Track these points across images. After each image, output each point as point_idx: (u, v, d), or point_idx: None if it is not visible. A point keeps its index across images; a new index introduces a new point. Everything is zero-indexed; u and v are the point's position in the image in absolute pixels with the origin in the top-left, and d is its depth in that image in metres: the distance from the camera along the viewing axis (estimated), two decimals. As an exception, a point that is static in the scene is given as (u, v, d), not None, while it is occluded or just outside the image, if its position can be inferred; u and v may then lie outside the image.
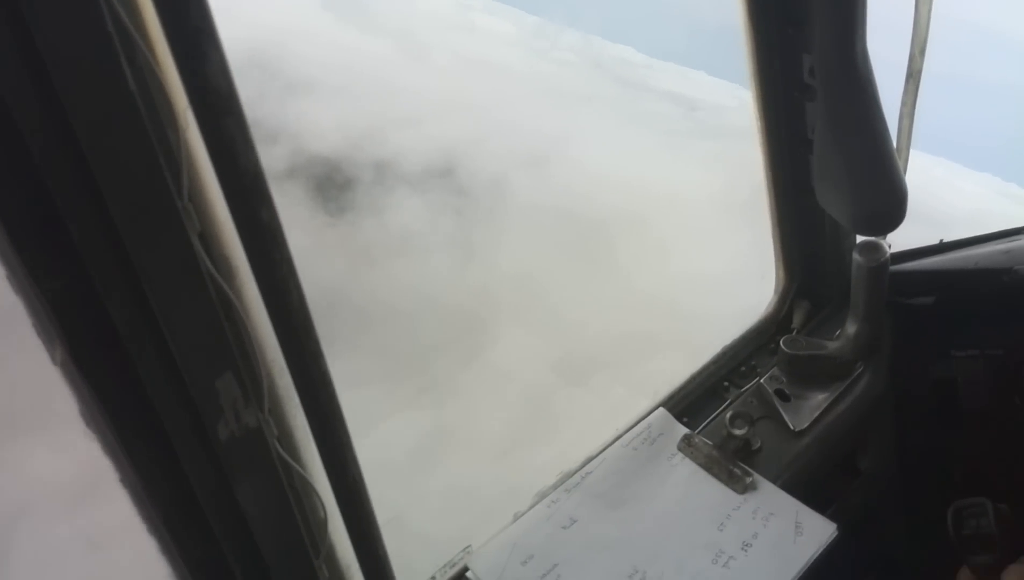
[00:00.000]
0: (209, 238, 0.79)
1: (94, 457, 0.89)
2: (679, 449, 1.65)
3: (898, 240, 1.61)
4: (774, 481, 1.59)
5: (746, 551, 1.49)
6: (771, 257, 1.93)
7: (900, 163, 1.46)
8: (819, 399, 1.74)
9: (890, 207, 1.45)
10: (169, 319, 0.77)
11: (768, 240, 1.90)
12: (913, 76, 1.50)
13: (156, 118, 0.69)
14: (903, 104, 1.57)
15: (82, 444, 0.88)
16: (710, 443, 1.64)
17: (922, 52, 1.45)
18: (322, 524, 1.11)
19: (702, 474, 1.61)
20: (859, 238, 1.68)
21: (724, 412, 1.71)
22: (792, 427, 1.69)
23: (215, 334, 0.80)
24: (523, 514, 1.56)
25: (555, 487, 1.60)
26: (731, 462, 1.61)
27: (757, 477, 1.59)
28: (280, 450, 0.96)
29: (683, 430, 1.68)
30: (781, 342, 1.76)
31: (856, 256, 1.61)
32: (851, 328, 1.73)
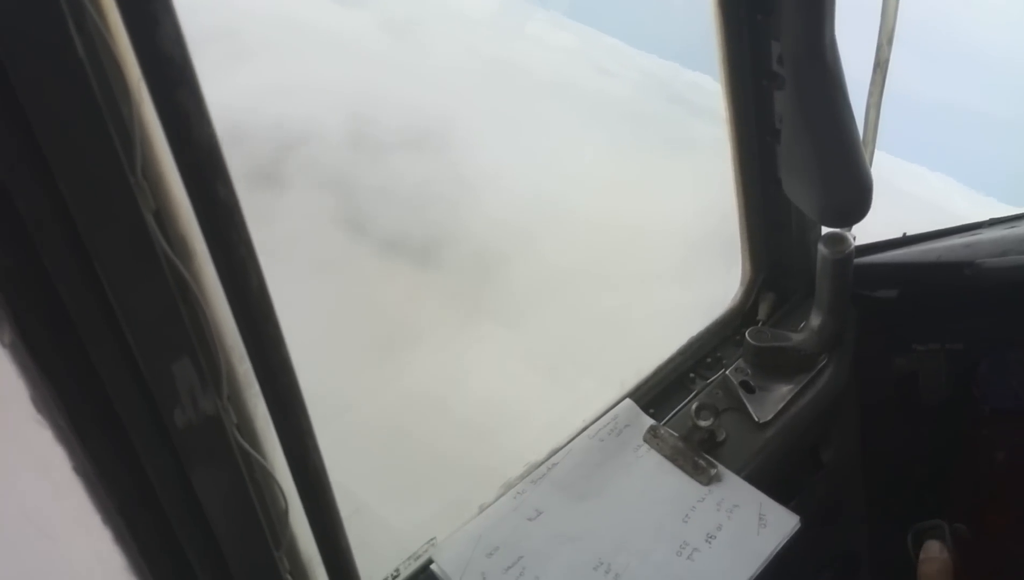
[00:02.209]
0: (164, 217, 0.76)
1: (45, 444, 0.86)
2: (645, 440, 1.65)
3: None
4: (738, 473, 1.60)
5: (710, 543, 1.49)
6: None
7: (866, 155, 1.47)
8: (783, 391, 1.75)
9: (855, 199, 1.46)
10: (123, 301, 0.74)
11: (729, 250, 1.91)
12: (880, 66, 1.51)
13: (108, 90, 0.67)
14: (870, 95, 1.58)
15: (33, 431, 0.85)
16: (676, 434, 1.64)
17: (889, 41, 1.46)
18: (283, 515, 1.09)
19: (668, 465, 1.61)
20: (824, 230, 1.69)
21: (690, 403, 1.72)
22: (757, 419, 1.69)
23: (171, 317, 0.78)
24: (489, 506, 1.55)
25: (521, 478, 1.59)
26: (696, 454, 1.61)
27: (722, 469, 1.59)
28: (239, 438, 0.94)
29: (649, 421, 1.68)
30: (747, 334, 1.77)
31: (821, 248, 1.62)
32: (815, 320, 1.74)
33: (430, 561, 1.46)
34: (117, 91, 0.68)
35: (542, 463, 1.62)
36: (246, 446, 0.96)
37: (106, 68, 0.67)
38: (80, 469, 0.88)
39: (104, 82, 0.66)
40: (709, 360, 1.85)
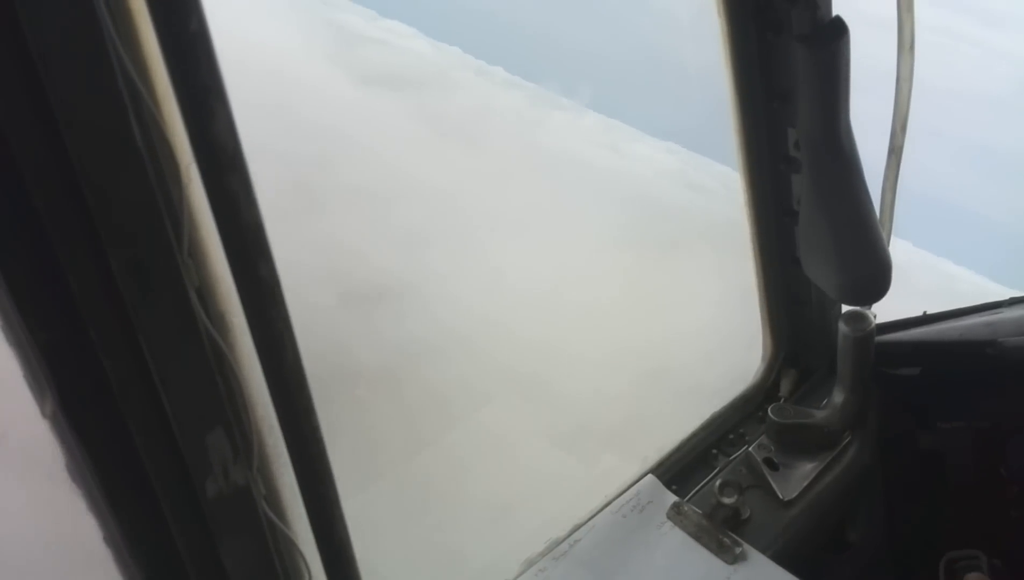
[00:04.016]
0: (206, 293, 0.80)
1: (78, 513, 0.88)
2: (668, 517, 1.63)
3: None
4: (764, 552, 1.57)
5: (736, 624, 1.47)
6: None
7: (884, 236, 1.49)
8: (808, 468, 1.73)
9: (874, 278, 1.47)
10: (163, 373, 0.77)
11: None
12: (895, 151, 1.55)
13: (160, 173, 0.71)
14: (885, 179, 1.61)
15: (67, 500, 0.87)
16: (699, 512, 1.63)
17: (903, 128, 1.50)
18: (306, 588, 1.09)
19: (692, 543, 1.59)
20: (845, 308, 1.70)
21: (713, 480, 1.70)
22: (781, 496, 1.68)
23: (208, 389, 0.81)
24: (510, 583, 1.54)
25: (543, 555, 1.57)
26: (720, 531, 1.59)
27: (747, 547, 1.57)
28: (267, 510, 0.95)
29: (672, 498, 1.66)
30: (769, 410, 1.76)
31: (842, 326, 1.63)
32: (838, 397, 1.74)
33: (450, 639, 1.45)
34: (168, 175, 0.72)
35: (564, 539, 1.60)
36: (273, 517, 0.97)
37: (159, 153, 0.71)
38: (110, 540, 0.90)
39: (157, 166, 0.71)
40: (732, 436, 1.84)
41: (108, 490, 0.84)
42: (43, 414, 0.80)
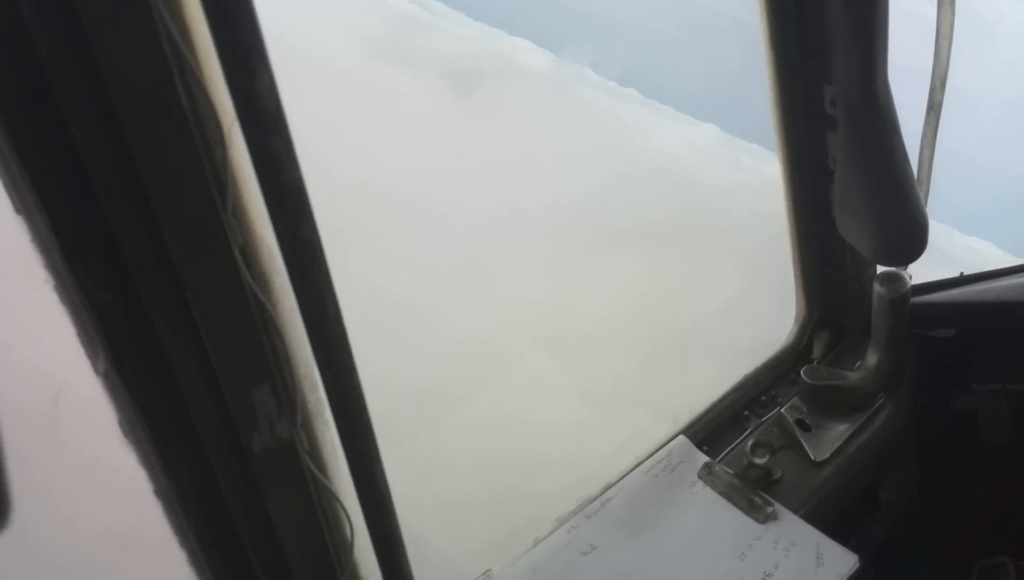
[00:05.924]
0: (249, 252, 0.82)
1: (130, 467, 0.91)
2: (699, 477, 1.65)
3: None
4: (795, 511, 1.59)
5: (767, 581, 1.49)
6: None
7: (921, 195, 1.47)
8: (840, 430, 1.74)
9: (911, 238, 1.46)
10: (210, 330, 0.80)
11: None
12: (934, 108, 1.52)
13: (204, 134, 0.72)
14: (924, 136, 1.59)
15: (119, 454, 0.91)
16: (731, 472, 1.64)
17: (942, 85, 1.47)
18: (348, 541, 1.13)
19: (723, 503, 1.61)
20: (880, 268, 1.69)
21: (745, 441, 1.71)
22: (813, 457, 1.68)
23: (253, 346, 0.83)
24: (543, 539, 1.57)
25: (575, 513, 1.60)
26: (752, 491, 1.61)
27: (778, 507, 1.58)
28: (310, 464, 0.98)
29: (703, 458, 1.68)
30: (802, 372, 1.76)
31: (877, 287, 1.62)
32: (872, 359, 1.73)
33: (486, 593, 1.48)
34: (212, 136, 0.74)
35: (596, 498, 1.63)
36: (316, 471, 1.00)
37: (202, 115, 0.73)
38: (161, 492, 0.93)
39: (200, 128, 0.72)
40: (764, 398, 1.84)
41: (159, 445, 0.87)
42: (96, 371, 0.83)
